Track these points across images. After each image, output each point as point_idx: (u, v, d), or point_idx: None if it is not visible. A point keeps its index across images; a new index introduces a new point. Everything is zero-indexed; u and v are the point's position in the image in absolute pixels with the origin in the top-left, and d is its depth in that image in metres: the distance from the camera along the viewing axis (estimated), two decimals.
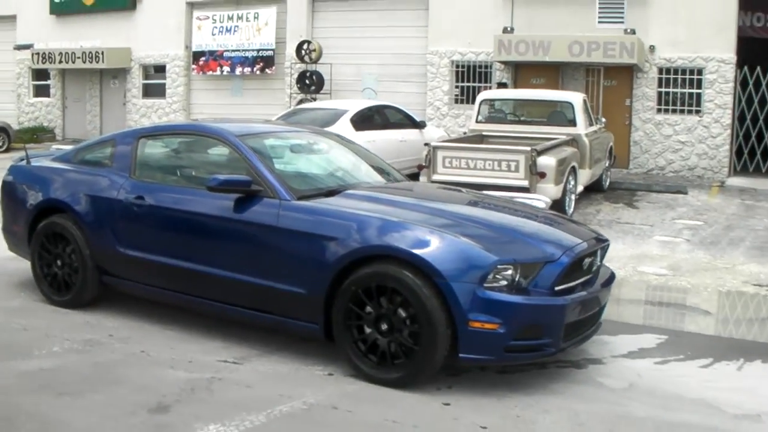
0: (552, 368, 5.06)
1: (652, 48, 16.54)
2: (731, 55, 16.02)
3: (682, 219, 11.92)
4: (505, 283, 4.48)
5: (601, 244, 5.35)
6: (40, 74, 23.45)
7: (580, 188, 12.40)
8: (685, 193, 14.46)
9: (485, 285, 4.42)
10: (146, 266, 5.60)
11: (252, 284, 5.06)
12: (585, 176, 12.66)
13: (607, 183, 14.62)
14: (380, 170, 6.31)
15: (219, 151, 5.73)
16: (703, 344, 5.90)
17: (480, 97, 13.77)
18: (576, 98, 13.09)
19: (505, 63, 17.47)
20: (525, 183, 10.68)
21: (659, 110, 16.73)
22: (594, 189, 13.78)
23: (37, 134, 21.92)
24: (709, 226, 11.35)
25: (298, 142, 6.25)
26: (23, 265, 6.81)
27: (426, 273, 4.44)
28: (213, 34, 20.53)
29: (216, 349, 5.21)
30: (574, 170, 11.82)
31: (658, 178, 16.14)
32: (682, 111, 16.56)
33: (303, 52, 19.06)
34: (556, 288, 4.63)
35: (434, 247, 4.51)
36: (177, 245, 5.45)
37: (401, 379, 4.55)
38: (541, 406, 4.43)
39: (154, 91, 21.72)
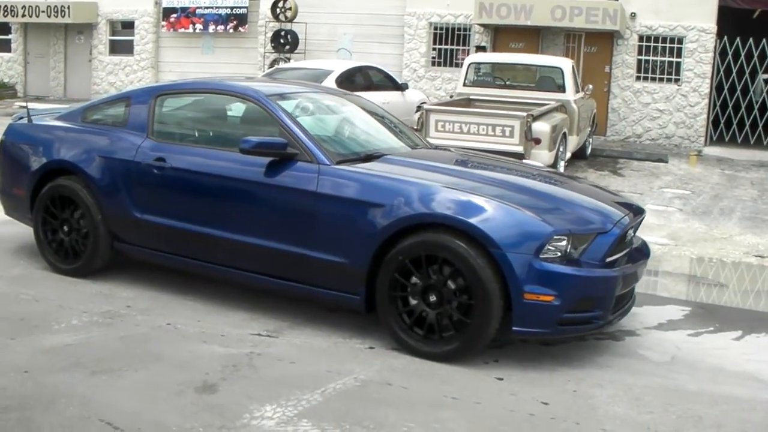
0: (591, 340, 4.97)
1: (633, 15, 16.46)
2: (712, 25, 16.04)
3: (669, 188, 11.95)
4: (558, 254, 4.34)
5: (640, 216, 5.23)
6: (0, 28, 22.45)
7: (568, 155, 12.34)
8: (666, 162, 14.52)
9: (541, 256, 4.26)
10: (166, 233, 5.29)
11: (284, 252, 4.81)
12: (573, 143, 12.60)
13: (589, 150, 14.59)
14: (402, 133, 6.06)
15: (246, 112, 5.42)
16: (727, 316, 5.88)
17: (468, 60, 13.55)
18: (565, 64, 12.98)
19: (484, 26, 17.23)
20: (520, 149, 10.57)
21: (638, 78, 16.72)
22: (577, 156, 13.74)
23: None
24: (697, 195, 11.40)
25: (327, 104, 5.93)
26: (20, 230, 6.45)
27: (481, 243, 4.26)
28: None
29: (244, 321, 4.98)
30: (564, 137, 11.74)
31: (636, 145, 16.18)
32: (661, 79, 16.57)
33: (278, 10, 18.52)
34: (607, 260, 4.50)
35: (489, 215, 4.33)
36: (202, 210, 5.15)
37: (450, 352, 4.38)
38: (593, 380, 4.33)
39: (121, 48, 20.95)
